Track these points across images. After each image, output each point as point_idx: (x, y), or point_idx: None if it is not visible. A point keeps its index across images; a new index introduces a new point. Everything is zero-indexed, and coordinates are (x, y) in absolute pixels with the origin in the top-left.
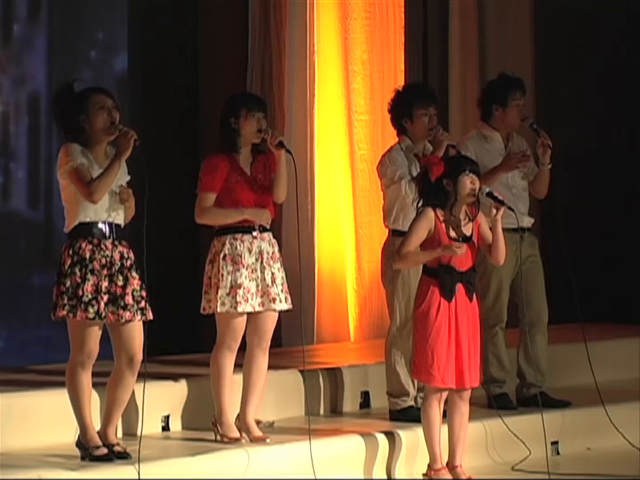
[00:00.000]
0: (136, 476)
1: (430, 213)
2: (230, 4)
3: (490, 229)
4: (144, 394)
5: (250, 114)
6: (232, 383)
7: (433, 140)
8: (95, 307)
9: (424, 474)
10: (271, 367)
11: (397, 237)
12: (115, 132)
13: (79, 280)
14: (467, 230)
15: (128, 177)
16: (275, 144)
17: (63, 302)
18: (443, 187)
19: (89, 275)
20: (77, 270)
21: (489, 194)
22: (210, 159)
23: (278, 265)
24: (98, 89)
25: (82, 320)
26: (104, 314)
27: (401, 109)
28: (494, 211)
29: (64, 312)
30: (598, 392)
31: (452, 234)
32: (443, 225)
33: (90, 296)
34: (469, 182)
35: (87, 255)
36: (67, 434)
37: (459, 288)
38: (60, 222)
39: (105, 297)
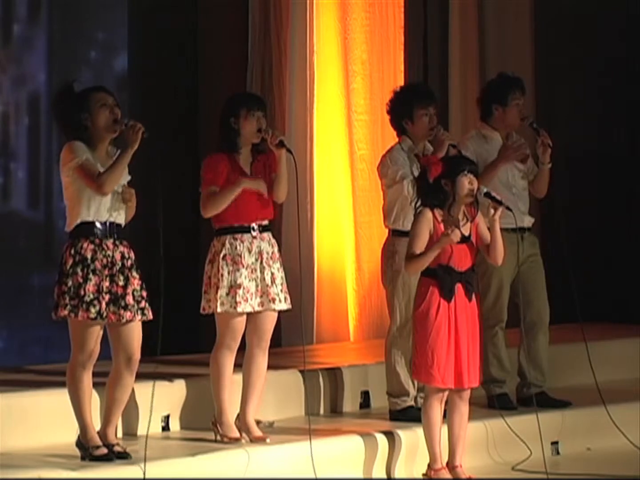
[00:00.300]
0: (136, 476)
1: (428, 214)
2: (230, 4)
3: (489, 228)
4: (153, 392)
5: (250, 114)
6: (232, 383)
7: (434, 140)
8: (97, 307)
9: (423, 474)
10: (271, 367)
11: (397, 237)
12: (118, 129)
13: (80, 280)
14: (465, 230)
15: (129, 177)
16: (275, 143)
17: (64, 302)
18: (441, 187)
19: (90, 275)
20: (78, 270)
21: (487, 194)
22: (210, 158)
23: (278, 265)
24: (98, 88)
25: (84, 320)
26: (105, 314)
27: (401, 110)
28: (492, 211)
29: (66, 312)
30: (599, 392)
31: None
32: (441, 225)
33: (92, 296)
34: (467, 183)
35: (89, 255)
36: (67, 434)
37: (458, 288)
38: (61, 222)
39: (107, 297)
